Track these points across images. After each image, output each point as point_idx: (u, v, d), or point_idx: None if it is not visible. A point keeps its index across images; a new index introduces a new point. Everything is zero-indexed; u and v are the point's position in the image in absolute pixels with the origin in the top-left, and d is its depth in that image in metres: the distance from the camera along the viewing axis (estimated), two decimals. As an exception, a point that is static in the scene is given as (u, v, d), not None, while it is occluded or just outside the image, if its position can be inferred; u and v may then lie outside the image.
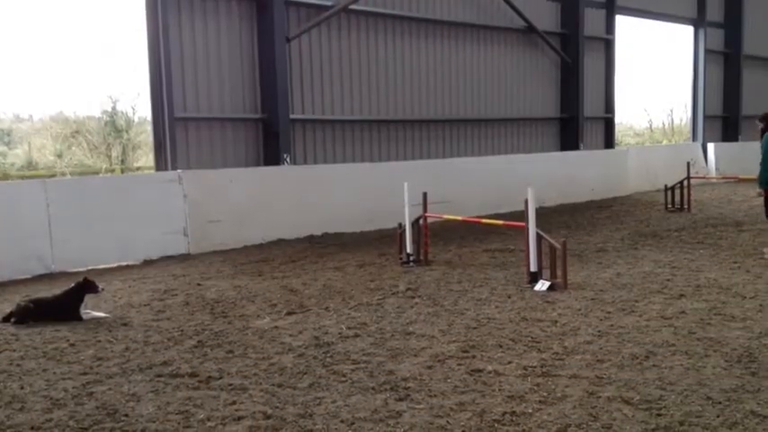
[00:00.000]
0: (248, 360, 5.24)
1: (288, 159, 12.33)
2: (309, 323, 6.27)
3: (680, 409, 4.04)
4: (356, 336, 5.83)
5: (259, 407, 4.28)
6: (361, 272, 8.71)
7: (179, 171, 10.84)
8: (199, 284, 8.19)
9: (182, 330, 6.15)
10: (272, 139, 12.37)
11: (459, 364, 4.98)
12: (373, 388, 4.58)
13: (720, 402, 4.14)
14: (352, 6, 13.23)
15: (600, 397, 4.27)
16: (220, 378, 4.84)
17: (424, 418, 4.05)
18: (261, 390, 4.59)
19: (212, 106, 11.90)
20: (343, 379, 4.77)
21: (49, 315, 6.54)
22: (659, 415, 3.97)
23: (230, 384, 4.70)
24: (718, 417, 3.93)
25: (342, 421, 4.04)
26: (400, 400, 4.36)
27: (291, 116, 12.54)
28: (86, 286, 6.73)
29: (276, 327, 6.18)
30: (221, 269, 9.18)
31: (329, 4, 12.96)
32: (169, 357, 5.35)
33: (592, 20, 17.76)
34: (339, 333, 5.92)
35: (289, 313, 6.66)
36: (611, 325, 5.87)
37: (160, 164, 11.58)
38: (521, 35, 16.48)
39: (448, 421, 4.00)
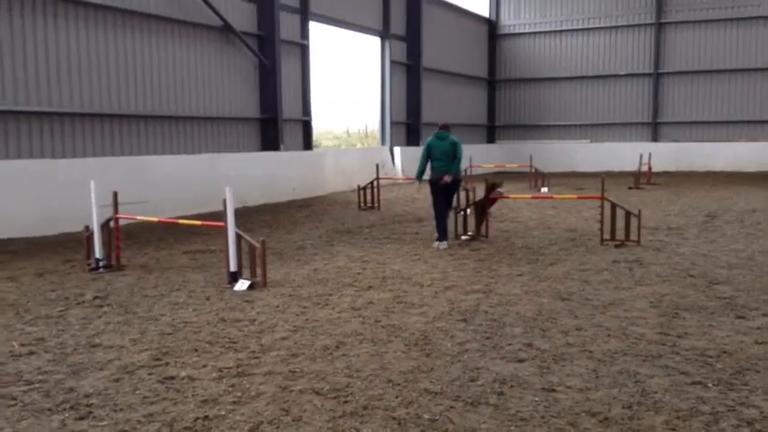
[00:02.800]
0: None
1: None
2: (-29, 344, 5.42)
3: (364, 394, 4.30)
4: (31, 353, 5.19)
5: None
6: (41, 281, 7.81)
7: None
8: None
9: None
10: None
11: (151, 374, 4.71)
12: (49, 409, 4.10)
13: (399, 384, 4.50)
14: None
15: (292, 391, 4.36)
16: None
17: (107, 437, 3.74)
18: None
19: None
20: (13, 402, 4.20)
21: None
22: (346, 402, 4.18)
23: None
24: (397, 397, 4.27)
25: (7, 453, 3.55)
26: (81, 418, 3.97)
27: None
28: None
29: (-74, 351, 5.22)
30: None
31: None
32: None
33: (287, 24, 18.26)
34: (10, 351, 5.21)
35: (-56, 334, 5.68)
36: (307, 319, 6.07)
37: None
38: (219, 34, 16.30)
39: (135, 436, 3.74)
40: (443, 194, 10.06)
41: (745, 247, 9.51)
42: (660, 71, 27.95)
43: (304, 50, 19.13)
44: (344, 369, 4.77)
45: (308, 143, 19.50)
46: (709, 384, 4.42)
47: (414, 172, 11.02)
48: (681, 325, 5.79)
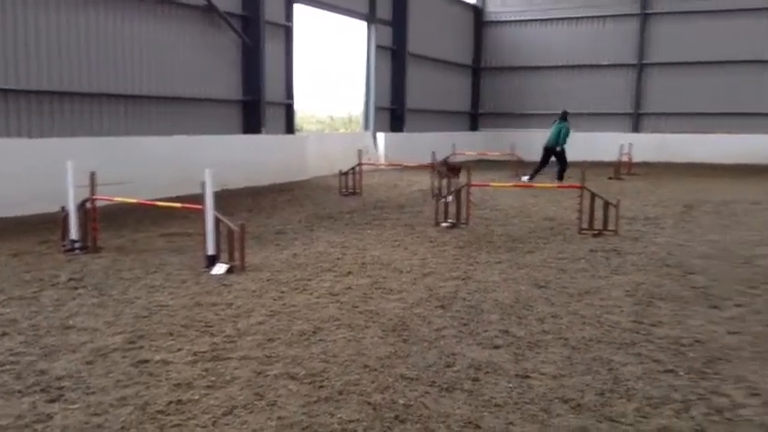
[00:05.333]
0: None
1: None
2: (-58, 324, 5.34)
3: (340, 379, 4.30)
4: (3, 334, 5.13)
5: None
6: (16, 261, 7.71)
7: None
8: None
9: None
10: None
11: (124, 357, 4.68)
12: (20, 391, 4.06)
13: (376, 369, 4.51)
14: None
15: (267, 375, 4.35)
16: None
17: (78, 419, 3.71)
18: None
19: None
20: (-17, 385, 4.15)
21: None
22: (321, 387, 4.18)
23: None
24: (372, 383, 4.27)
25: (-25, 435, 3.51)
26: (52, 401, 3.93)
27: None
28: None
29: None
30: None
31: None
32: None
33: (272, 5, 18.05)
34: (-19, 333, 5.15)
35: None
36: (284, 304, 6.05)
37: None
38: (202, 13, 16.09)
39: (106, 419, 3.71)
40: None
41: (721, 238, 9.62)
42: (644, 62, 28.07)
43: (288, 32, 18.95)
44: (321, 354, 4.76)
45: (290, 127, 19.37)
46: (681, 373, 4.48)
47: (398, 157, 11.11)
48: (655, 314, 5.85)
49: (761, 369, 4.55)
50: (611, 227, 9.85)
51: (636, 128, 28.38)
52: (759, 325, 5.55)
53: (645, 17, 27.86)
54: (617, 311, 5.92)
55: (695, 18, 27.06)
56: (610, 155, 22.01)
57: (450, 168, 10.60)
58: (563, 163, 18.13)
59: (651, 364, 4.64)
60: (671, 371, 4.51)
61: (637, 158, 22.88)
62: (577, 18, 29.05)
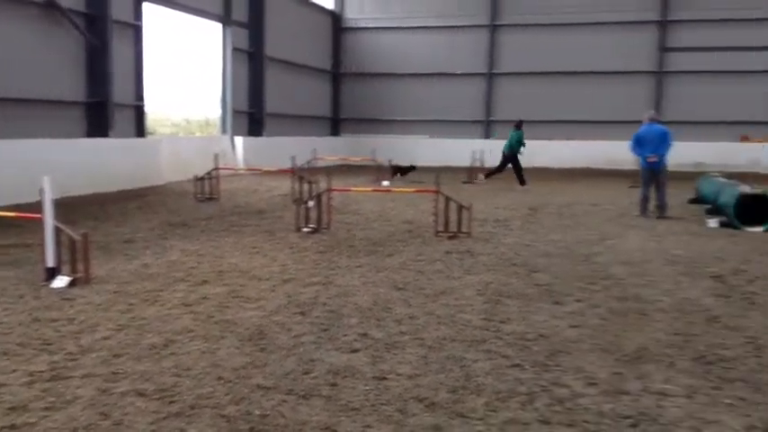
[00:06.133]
0: None
1: None
2: None
3: (193, 393, 4.14)
4: None
5: None
6: None
7: None
8: None
9: None
10: None
11: (-53, 382, 4.23)
12: None
13: (231, 381, 4.38)
14: None
15: (113, 393, 4.10)
16: None
17: None
18: None
19: None
20: None
21: None
22: (172, 402, 4.00)
23: None
24: (227, 395, 4.15)
25: None
26: None
27: None
28: None
29: None
30: None
31: None
32: None
33: (119, 3, 17.15)
34: None
35: None
36: (133, 317, 5.74)
37: None
38: (42, 10, 14.98)
39: (-77, 454, 3.34)
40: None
41: (562, 238, 10.30)
42: (493, 71, 29.53)
43: (138, 32, 18.09)
44: (172, 368, 4.56)
45: (141, 130, 18.48)
46: (527, 366, 4.73)
47: (257, 162, 10.96)
48: (503, 311, 6.14)
49: (598, 360, 4.89)
50: (464, 229, 10.24)
51: (487, 134, 29.78)
52: (596, 318, 5.98)
53: (494, 28, 29.33)
54: (469, 310, 6.15)
55: (539, 31, 28.83)
56: (465, 160, 22.92)
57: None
58: (518, 169, 19.17)
59: (500, 359, 4.86)
60: (517, 365, 4.74)
61: (489, 164, 23.97)
62: (431, 27, 30.03)
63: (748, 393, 4.27)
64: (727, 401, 4.15)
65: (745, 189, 11.88)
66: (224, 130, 23.40)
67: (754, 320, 5.92)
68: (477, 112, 29.97)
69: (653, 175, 12.72)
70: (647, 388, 4.35)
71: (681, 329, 5.63)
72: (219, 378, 4.41)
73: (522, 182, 19.01)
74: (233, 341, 5.19)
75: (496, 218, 12.47)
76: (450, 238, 10.07)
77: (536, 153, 28.36)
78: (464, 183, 20.09)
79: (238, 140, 23.15)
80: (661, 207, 12.72)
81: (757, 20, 26.26)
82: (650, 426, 3.81)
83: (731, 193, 11.87)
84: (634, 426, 3.81)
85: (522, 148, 19.25)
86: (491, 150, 25.72)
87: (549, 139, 28.69)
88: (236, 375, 4.47)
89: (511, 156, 19.29)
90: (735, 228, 11.14)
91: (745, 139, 26.04)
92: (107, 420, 3.73)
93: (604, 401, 4.14)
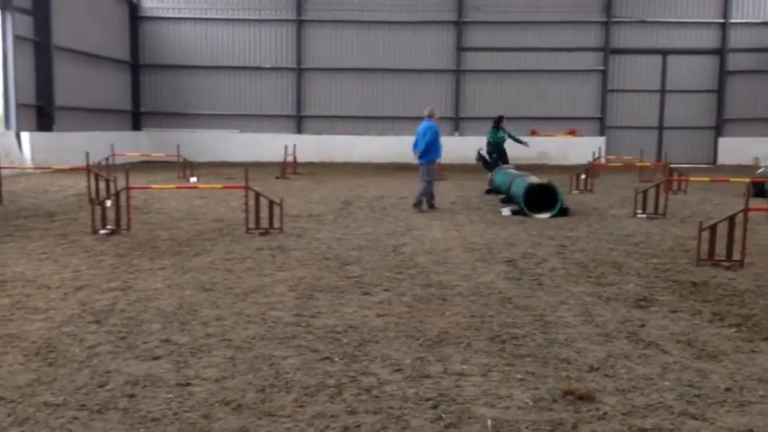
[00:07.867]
0: None
1: None
2: None
3: (-36, 421, 3.68)
4: None
5: None
6: None
7: None
8: None
9: None
10: None
11: None
12: None
13: (14, 401, 3.96)
14: None
15: None
16: None
17: None
18: None
19: None
20: None
21: None
22: (-63, 434, 3.52)
23: None
24: (9, 416, 3.75)
25: None
26: None
27: None
28: None
29: None
30: None
31: None
32: None
33: None
34: None
35: None
36: None
37: None
38: None
39: None
40: None
41: (373, 230, 10.57)
42: (302, 66, 29.58)
43: None
44: (-61, 394, 4.02)
45: None
46: (336, 359, 4.77)
47: (47, 160, 10.02)
48: (315, 305, 6.16)
49: (403, 346, 5.06)
50: (276, 225, 10.15)
51: (299, 129, 29.81)
52: (403, 306, 6.19)
53: (300, 23, 29.37)
54: (280, 307, 6.09)
55: (345, 27, 29.36)
56: (277, 155, 22.74)
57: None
58: (494, 162, 18.02)
59: (310, 354, 4.86)
60: (327, 358, 4.77)
61: (301, 159, 24.03)
62: (235, 20, 29.40)
63: (537, 368, 4.64)
64: (519, 377, 4.48)
65: (533, 179, 12.98)
66: (8, 126, 21.16)
67: (540, 300, 6.47)
68: (288, 106, 29.88)
69: (421, 168, 13.09)
70: (447, 370, 4.58)
71: (477, 312, 6.00)
72: (0, 399, 3.95)
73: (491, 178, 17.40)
74: (17, 357, 4.69)
75: (310, 213, 12.52)
76: (262, 234, 9.93)
77: (349, 148, 29.08)
78: (277, 178, 19.93)
79: (25, 136, 21.03)
80: (417, 200, 13.07)
81: (547, 23, 28.99)
82: (449, 406, 4.01)
83: (521, 183, 12.91)
84: (435, 407, 3.98)
85: (506, 141, 18.28)
86: (304, 145, 25.92)
87: (361, 134, 29.41)
88: (19, 394, 4.05)
89: (497, 151, 18.25)
90: (525, 215, 12.13)
91: (534, 133, 28.47)
92: None
93: (408, 386, 4.28)
